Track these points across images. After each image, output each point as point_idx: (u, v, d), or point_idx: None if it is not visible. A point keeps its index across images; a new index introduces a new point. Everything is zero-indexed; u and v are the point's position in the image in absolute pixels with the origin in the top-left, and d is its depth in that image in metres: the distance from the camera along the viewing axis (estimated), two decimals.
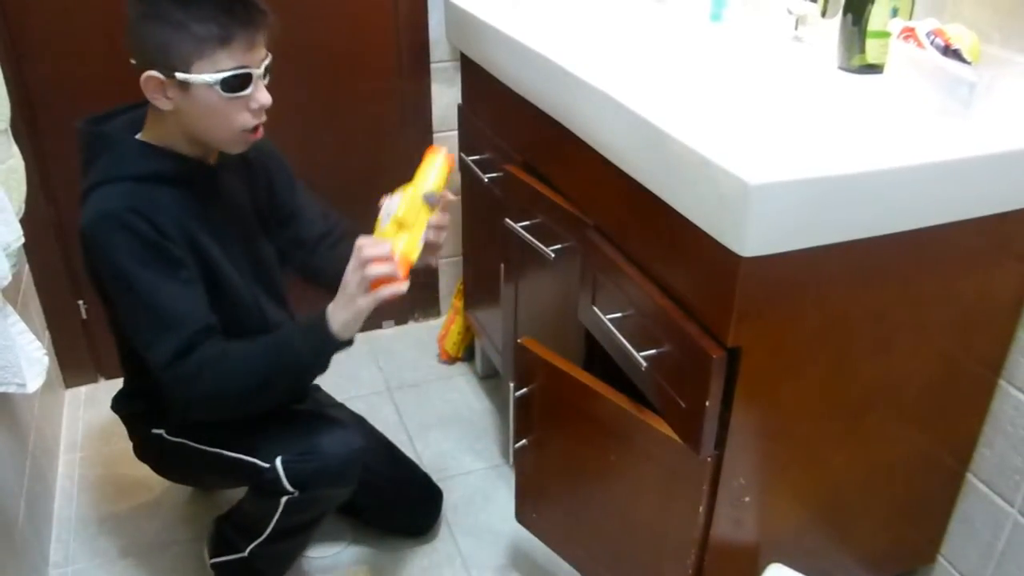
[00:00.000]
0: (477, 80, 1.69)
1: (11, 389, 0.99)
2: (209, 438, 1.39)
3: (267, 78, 1.22)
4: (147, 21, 1.14)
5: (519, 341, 1.37)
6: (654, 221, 1.09)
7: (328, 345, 1.24)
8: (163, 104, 1.18)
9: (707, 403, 1.03)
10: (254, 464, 1.34)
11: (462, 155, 1.80)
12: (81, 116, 1.25)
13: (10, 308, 1.06)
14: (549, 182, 1.43)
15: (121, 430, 1.48)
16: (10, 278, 0.99)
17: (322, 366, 1.28)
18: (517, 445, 1.44)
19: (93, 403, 2.06)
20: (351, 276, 1.20)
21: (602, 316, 1.22)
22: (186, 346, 1.20)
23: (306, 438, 1.35)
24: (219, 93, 1.15)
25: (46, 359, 1.10)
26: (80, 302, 2.04)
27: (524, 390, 1.38)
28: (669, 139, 1.01)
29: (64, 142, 1.85)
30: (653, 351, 1.12)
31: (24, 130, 1.76)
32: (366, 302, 1.20)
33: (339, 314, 1.22)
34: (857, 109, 1.18)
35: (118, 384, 1.46)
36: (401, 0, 1.98)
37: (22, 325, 1.08)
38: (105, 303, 1.29)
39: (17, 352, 1.00)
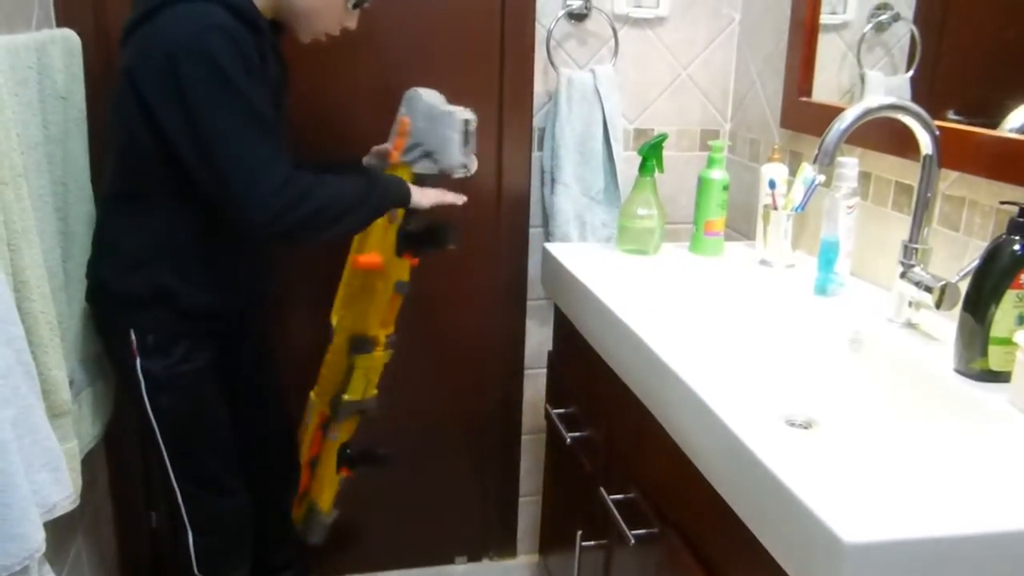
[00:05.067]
0: (568, 333, 1.64)
1: None
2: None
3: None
4: None
5: None
6: (739, 545, 0.97)
7: (403, 195, 1.52)
8: None
9: None
10: None
11: (548, 406, 1.73)
12: None
13: (47, 567, 1.01)
14: (630, 462, 1.34)
15: None
16: (44, 548, 0.95)
17: (389, 205, 1.52)
18: None
19: None
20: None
21: None
22: (291, 169, 1.32)
23: None
24: None
25: None
26: (152, 513, 2.01)
27: None
28: (752, 456, 0.91)
29: None
30: None
31: None
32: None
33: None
34: (978, 431, 1.05)
35: None
36: (504, 238, 2.00)
37: None
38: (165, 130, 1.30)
39: None
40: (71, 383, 1.29)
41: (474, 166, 1.62)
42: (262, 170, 1.29)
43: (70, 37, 1.48)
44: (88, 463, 1.42)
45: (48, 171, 1.34)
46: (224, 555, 1.59)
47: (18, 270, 1.14)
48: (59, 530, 0.98)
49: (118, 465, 1.93)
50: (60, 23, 1.61)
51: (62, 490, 1.05)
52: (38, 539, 0.94)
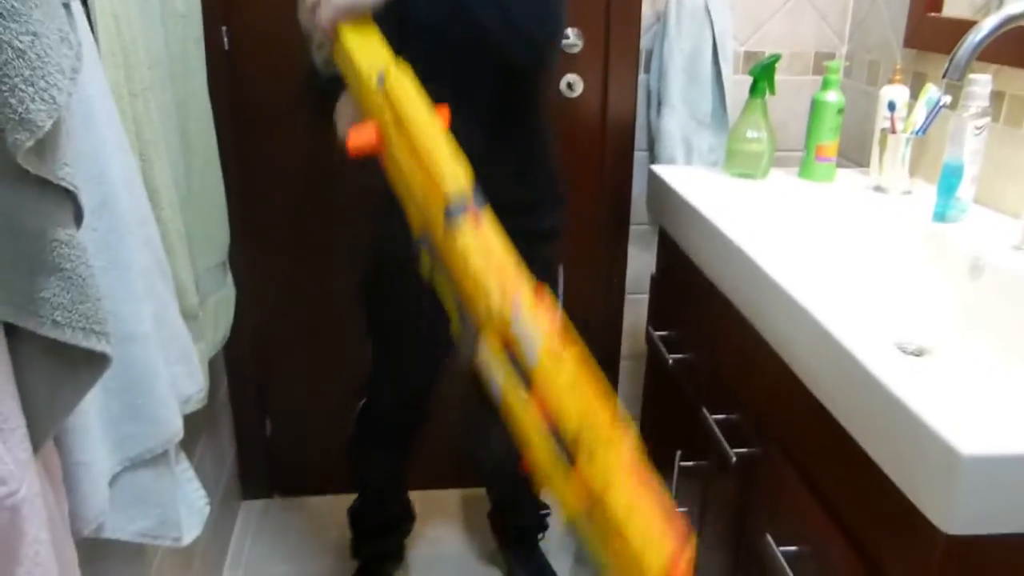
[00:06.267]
0: (672, 256, 1.63)
1: (166, 543, 1.01)
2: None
3: None
4: None
5: None
6: (847, 461, 0.97)
7: None
8: None
9: None
10: None
11: (650, 328, 1.73)
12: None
13: (182, 455, 1.09)
14: (733, 383, 1.34)
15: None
16: (182, 435, 1.02)
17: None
18: None
19: (265, 518, 2.11)
20: None
21: (775, 547, 1.09)
22: None
23: None
24: None
25: (207, 508, 1.12)
26: (267, 420, 2.12)
27: None
28: (870, 377, 0.90)
29: (270, 257, 1.97)
30: None
31: (237, 246, 1.85)
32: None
33: None
34: None
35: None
36: (608, 161, 1.99)
37: (191, 472, 1.11)
38: None
39: (179, 506, 1.03)
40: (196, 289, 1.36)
41: None
42: None
43: None
44: (209, 371, 1.51)
45: (171, 88, 1.39)
46: (368, 438, 1.71)
47: (148, 179, 1.19)
48: (184, 433, 1.05)
49: (234, 375, 2.04)
50: None
51: (195, 383, 1.12)
52: (177, 425, 1.01)
